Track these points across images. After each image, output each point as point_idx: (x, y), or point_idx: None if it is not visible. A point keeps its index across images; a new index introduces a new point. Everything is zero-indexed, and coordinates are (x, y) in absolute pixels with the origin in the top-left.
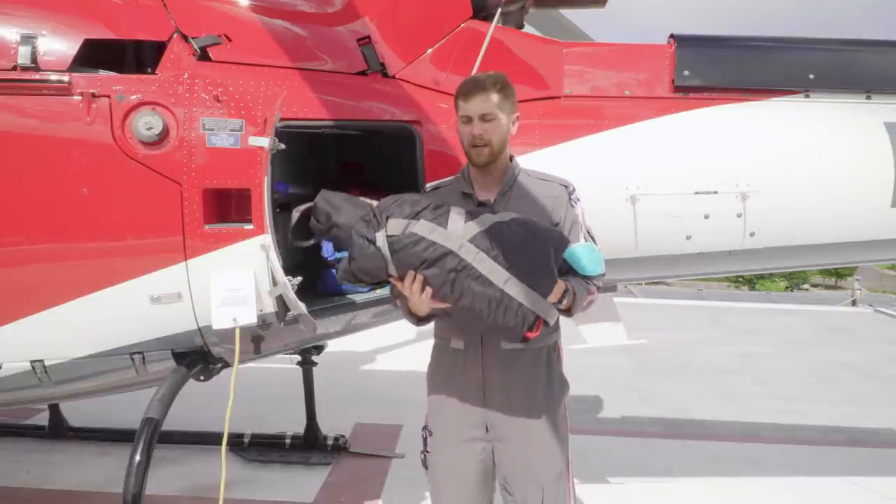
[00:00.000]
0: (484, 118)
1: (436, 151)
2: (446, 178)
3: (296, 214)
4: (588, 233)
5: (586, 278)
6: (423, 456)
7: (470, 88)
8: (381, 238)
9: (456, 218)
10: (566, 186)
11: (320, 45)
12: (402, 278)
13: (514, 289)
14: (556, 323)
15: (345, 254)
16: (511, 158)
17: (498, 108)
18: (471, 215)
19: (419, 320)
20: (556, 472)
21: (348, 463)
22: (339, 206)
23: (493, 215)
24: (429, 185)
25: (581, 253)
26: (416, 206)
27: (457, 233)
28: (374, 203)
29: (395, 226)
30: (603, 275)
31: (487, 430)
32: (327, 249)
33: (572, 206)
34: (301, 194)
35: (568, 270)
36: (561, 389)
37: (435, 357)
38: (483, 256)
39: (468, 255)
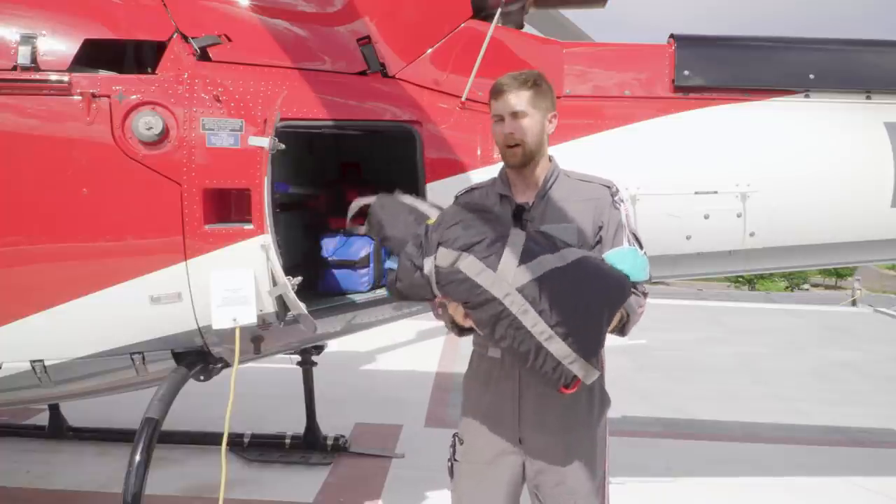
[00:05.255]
0: (515, 116)
1: (436, 151)
2: (482, 181)
3: (355, 206)
4: (634, 235)
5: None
6: (450, 464)
7: (501, 86)
8: (428, 266)
9: (509, 258)
10: (609, 187)
11: (320, 45)
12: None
13: (554, 346)
14: None
15: (394, 264)
16: (550, 159)
17: (530, 106)
18: (528, 255)
19: (461, 332)
20: (592, 489)
21: (348, 463)
22: (394, 218)
23: (552, 256)
24: (462, 189)
25: (623, 258)
26: (472, 236)
27: (506, 278)
28: (431, 217)
29: (445, 256)
30: (649, 280)
31: (521, 442)
32: (327, 249)
33: (616, 207)
34: (301, 194)
35: None
36: (602, 403)
37: (472, 365)
38: (528, 309)
39: (513, 305)
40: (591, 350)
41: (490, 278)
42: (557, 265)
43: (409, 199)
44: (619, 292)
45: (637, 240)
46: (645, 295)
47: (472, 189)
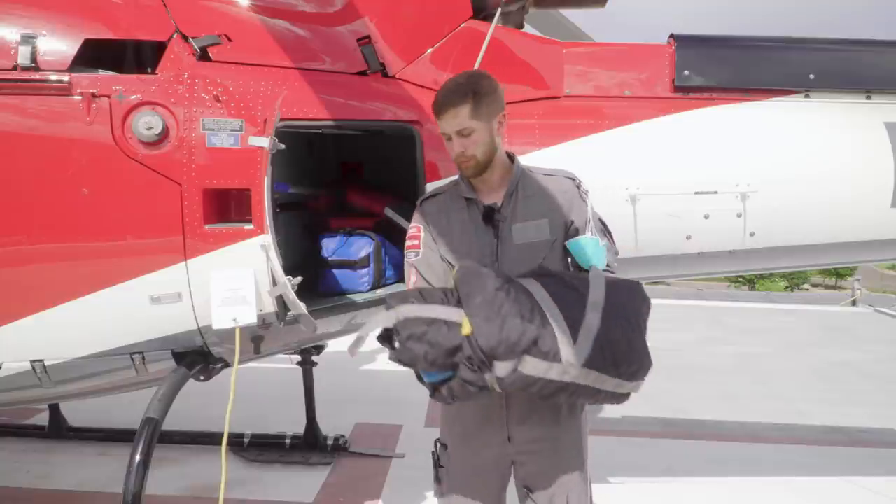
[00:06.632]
0: (460, 133)
1: (436, 151)
2: (444, 182)
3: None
4: (601, 222)
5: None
6: (435, 471)
7: (439, 105)
8: (490, 380)
9: (565, 341)
10: (572, 179)
11: (320, 45)
12: None
13: (624, 388)
14: None
15: (438, 376)
16: (512, 158)
17: (472, 119)
18: (573, 325)
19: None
20: (582, 478)
21: (348, 463)
22: (427, 342)
23: (592, 315)
24: (428, 191)
25: (585, 246)
26: (519, 336)
27: (570, 360)
28: (460, 323)
29: (503, 368)
30: (608, 267)
31: (509, 441)
32: (327, 249)
33: (583, 200)
34: (301, 194)
35: (575, 263)
36: None
37: None
38: (600, 377)
39: (587, 379)
40: (646, 369)
41: (559, 370)
42: (599, 320)
43: (426, 311)
44: (644, 302)
45: (605, 227)
46: (613, 273)
47: (434, 194)
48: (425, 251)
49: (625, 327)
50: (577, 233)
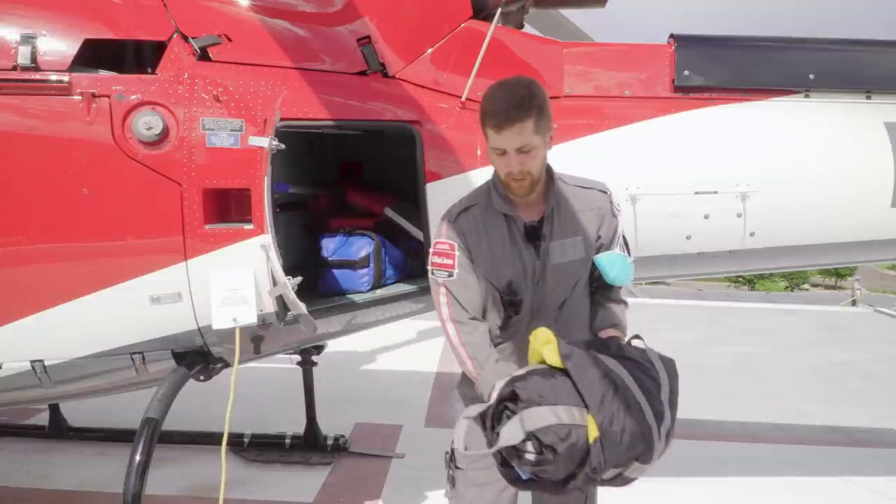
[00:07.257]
0: (521, 150)
1: (436, 151)
2: (472, 195)
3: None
4: (624, 240)
5: (610, 287)
6: (450, 472)
7: (503, 119)
8: (597, 479)
9: (658, 440)
10: (605, 192)
11: (320, 45)
12: None
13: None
14: None
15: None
16: (549, 171)
17: (535, 135)
18: (659, 420)
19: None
20: None
21: (348, 463)
22: (568, 458)
23: (668, 414)
24: (456, 208)
25: (613, 263)
26: (635, 447)
27: (656, 458)
28: (587, 428)
29: (614, 472)
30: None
31: None
32: (327, 249)
33: (615, 216)
34: (301, 194)
35: (598, 276)
36: None
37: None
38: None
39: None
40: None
41: (648, 468)
42: (667, 415)
43: (556, 416)
44: (677, 380)
45: (625, 241)
46: (626, 304)
47: (466, 209)
48: (461, 272)
49: (675, 407)
50: (602, 248)
